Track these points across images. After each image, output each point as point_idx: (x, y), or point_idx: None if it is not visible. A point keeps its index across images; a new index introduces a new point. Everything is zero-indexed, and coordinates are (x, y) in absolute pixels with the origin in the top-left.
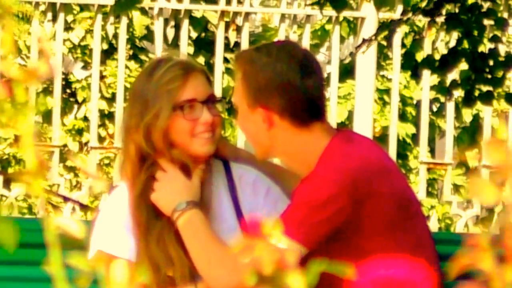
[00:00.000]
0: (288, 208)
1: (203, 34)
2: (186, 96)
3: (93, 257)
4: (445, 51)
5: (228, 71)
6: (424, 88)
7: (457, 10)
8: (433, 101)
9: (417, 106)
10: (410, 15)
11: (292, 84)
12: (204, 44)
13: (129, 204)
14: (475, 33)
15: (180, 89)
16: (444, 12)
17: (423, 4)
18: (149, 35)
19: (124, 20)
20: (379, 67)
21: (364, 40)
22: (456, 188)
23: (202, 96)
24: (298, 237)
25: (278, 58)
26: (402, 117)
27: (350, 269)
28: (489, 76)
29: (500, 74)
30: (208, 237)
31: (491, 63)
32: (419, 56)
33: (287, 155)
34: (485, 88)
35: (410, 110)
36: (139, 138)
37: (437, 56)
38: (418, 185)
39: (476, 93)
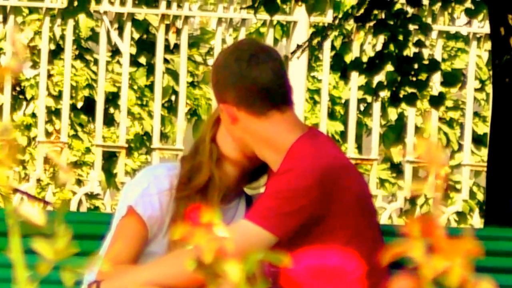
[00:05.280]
0: (261, 198)
1: (145, 36)
2: None
3: (126, 211)
4: (372, 54)
5: (168, 71)
6: (352, 88)
7: (383, 16)
8: (360, 100)
9: (346, 105)
10: (341, 21)
11: (239, 74)
12: (146, 45)
13: (177, 191)
14: (401, 37)
15: None
16: (372, 17)
17: (355, 11)
18: (94, 36)
19: (71, 23)
20: (310, 68)
21: (298, 46)
22: (381, 182)
23: None
24: (268, 225)
25: (229, 53)
26: (331, 115)
27: (286, 258)
28: (414, 79)
29: (424, 76)
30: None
31: (416, 66)
32: (348, 58)
33: (255, 146)
34: (410, 90)
35: (338, 109)
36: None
37: (364, 59)
38: None
39: (402, 94)
